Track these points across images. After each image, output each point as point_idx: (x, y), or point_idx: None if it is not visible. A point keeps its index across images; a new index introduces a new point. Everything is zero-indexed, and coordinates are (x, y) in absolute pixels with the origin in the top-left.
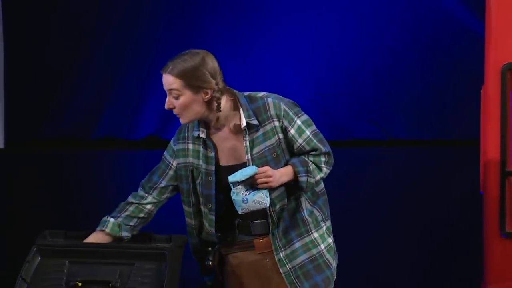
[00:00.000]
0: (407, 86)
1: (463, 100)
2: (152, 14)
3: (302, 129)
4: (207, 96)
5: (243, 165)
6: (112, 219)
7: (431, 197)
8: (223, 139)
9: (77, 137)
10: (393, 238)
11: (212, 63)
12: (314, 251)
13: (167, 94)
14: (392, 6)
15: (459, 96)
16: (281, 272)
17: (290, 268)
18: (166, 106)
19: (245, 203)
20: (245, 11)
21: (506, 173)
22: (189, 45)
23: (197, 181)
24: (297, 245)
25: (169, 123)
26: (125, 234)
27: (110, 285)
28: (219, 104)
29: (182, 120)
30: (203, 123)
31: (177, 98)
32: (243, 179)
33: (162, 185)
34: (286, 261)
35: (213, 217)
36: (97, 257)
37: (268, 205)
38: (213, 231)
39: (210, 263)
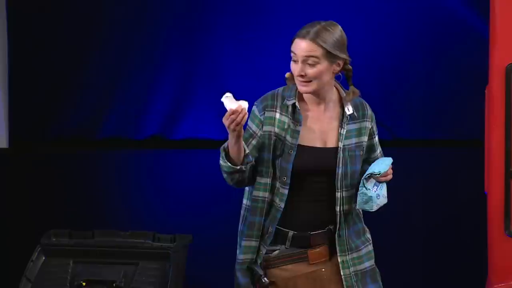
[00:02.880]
0: (412, 86)
1: (467, 100)
2: (157, 14)
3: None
4: (337, 68)
5: (329, 150)
6: None
7: (435, 196)
8: (314, 119)
9: (82, 137)
10: (396, 238)
11: (344, 34)
12: (373, 261)
13: (299, 60)
14: (397, 7)
15: (463, 96)
16: (342, 274)
17: (352, 272)
18: (297, 73)
19: (378, 198)
20: (251, 11)
21: (511, 173)
22: (195, 45)
23: (277, 153)
24: (364, 251)
25: (173, 123)
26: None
27: (114, 284)
28: (350, 77)
29: (307, 89)
30: (299, 96)
31: (312, 66)
32: (386, 169)
33: (246, 152)
34: (350, 264)
35: (286, 191)
36: (102, 256)
37: (386, 201)
38: (282, 206)
39: (266, 278)
